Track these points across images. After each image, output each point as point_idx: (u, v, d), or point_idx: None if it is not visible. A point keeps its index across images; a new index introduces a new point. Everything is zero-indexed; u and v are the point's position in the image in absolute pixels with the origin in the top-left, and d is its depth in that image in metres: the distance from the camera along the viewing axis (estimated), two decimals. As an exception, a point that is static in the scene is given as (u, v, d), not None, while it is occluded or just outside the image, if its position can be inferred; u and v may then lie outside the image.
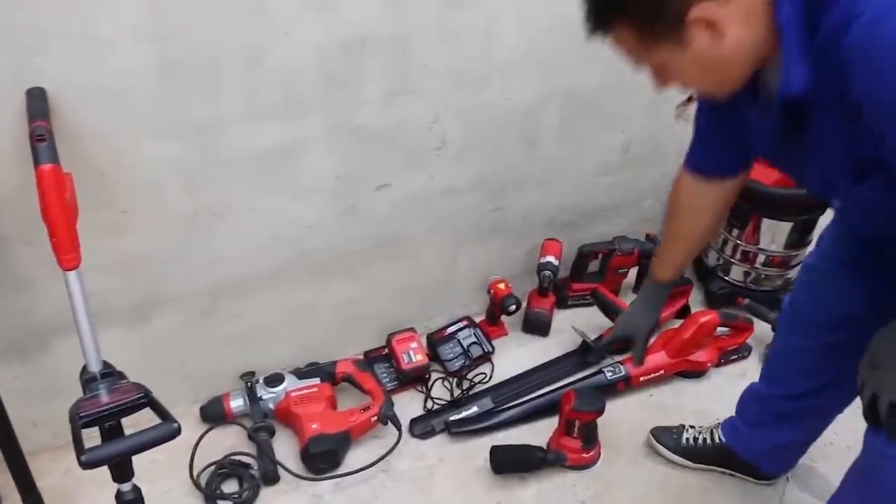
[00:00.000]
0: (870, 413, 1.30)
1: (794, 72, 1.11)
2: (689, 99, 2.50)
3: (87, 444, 1.32)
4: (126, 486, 1.52)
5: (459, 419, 2.18)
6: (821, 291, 1.65)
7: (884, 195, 1.20)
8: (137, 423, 1.38)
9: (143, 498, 1.54)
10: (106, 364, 1.54)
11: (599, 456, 2.09)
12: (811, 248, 1.84)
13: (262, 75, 1.74)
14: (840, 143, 1.19)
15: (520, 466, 2.07)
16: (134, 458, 1.87)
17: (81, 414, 1.39)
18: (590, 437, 2.04)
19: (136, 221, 1.80)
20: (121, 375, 1.53)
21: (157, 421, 1.38)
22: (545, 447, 2.08)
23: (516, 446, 2.11)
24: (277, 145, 1.86)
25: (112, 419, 1.44)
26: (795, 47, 1.11)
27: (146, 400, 1.44)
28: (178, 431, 1.36)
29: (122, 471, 1.50)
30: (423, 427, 2.16)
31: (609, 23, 1.22)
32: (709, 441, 2.06)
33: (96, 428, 1.42)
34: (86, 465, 1.31)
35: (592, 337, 2.44)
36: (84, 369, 1.52)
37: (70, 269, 1.46)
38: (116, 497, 1.52)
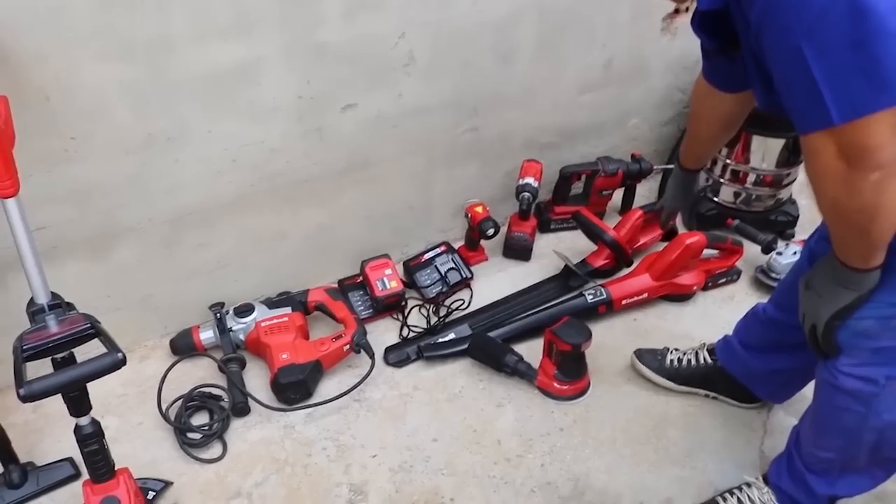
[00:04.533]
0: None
1: None
2: (676, 11, 2.39)
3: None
4: (84, 420, 1.49)
5: (433, 343, 2.14)
6: None
7: None
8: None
9: (102, 431, 1.51)
10: (55, 295, 1.48)
11: (577, 395, 2.03)
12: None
13: (210, -12, 1.64)
14: (757, 60, 1.16)
15: (488, 359, 2.07)
16: (104, 392, 1.88)
17: (25, 346, 1.35)
18: (566, 369, 1.99)
19: (86, 148, 1.72)
20: (70, 306, 1.48)
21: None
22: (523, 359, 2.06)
23: (497, 342, 2.09)
24: (232, 64, 1.76)
25: (59, 351, 1.39)
26: None
27: (93, 330, 1.39)
28: (122, 362, 1.32)
29: (77, 404, 1.46)
30: (397, 355, 2.11)
31: None
32: (693, 362, 2.01)
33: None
34: (25, 398, 1.26)
35: (575, 261, 2.38)
36: (31, 301, 1.47)
37: (8, 197, 1.39)
38: (74, 431, 1.49)
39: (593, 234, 2.39)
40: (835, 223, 1.17)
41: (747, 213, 2.55)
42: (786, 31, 0.99)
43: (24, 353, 1.33)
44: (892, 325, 1.29)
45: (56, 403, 1.40)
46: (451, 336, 2.17)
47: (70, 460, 1.79)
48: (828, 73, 0.98)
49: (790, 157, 2.41)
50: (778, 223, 2.54)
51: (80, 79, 1.62)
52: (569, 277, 2.36)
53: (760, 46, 1.08)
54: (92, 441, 1.49)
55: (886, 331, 1.29)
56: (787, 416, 1.97)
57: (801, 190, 2.56)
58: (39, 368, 1.35)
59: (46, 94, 1.61)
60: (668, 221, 2.04)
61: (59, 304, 1.46)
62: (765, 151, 2.41)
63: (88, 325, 1.39)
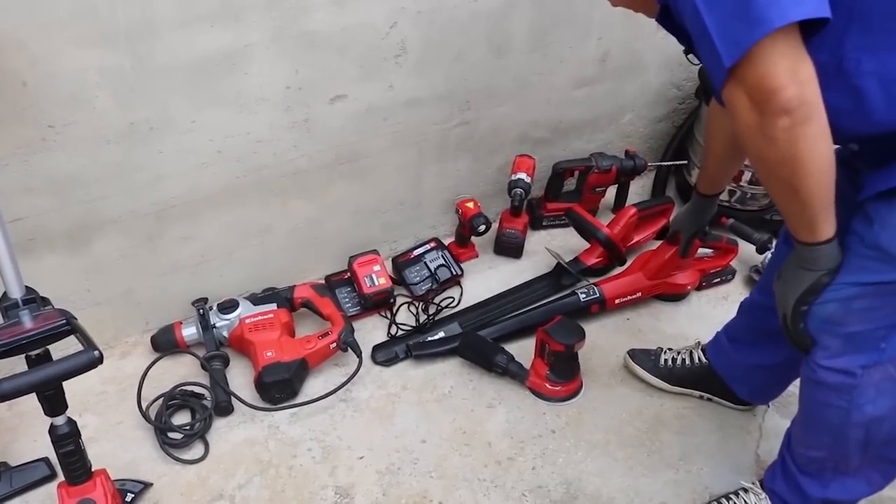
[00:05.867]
0: None
1: None
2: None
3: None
4: (59, 420, 1.43)
5: (422, 342, 2.09)
6: None
7: None
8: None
9: (78, 431, 1.46)
10: (29, 290, 1.42)
11: (569, 396, 1.99)
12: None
13: (194, -29, 1.58)
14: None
15: (478, 358, 2.03)
16: (83, 389, 1.83)
17: (-4, 343, 1.29)
18: (559, 369, 1.95)
19: (65, 137, 1.66)
20: (45, 301, 1.43)
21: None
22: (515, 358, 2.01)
23: (487, 341, 2.04)
24: (218, 52, 1.70)
25: (33, 348, 1.34)
26: None
27: (69, 326, 1.33)
28: (98, 360, 1.26)
29: (52, 403, 1.40)
30: (385, 354, 2.06)
31: None
32: (688, 362, 1.98)
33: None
34: (-6, 399, 1.21)
35: (568, 259, 2.33)
36: (4, 296, 1.41)
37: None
38: (49, 431, 1.44)
39: (586, 231, 2.34)
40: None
41: (742, 211, 2.52)
42: None
43: (-4, 350, 1.27)
44: (855, 308, 1.26)
45: (31, 401, 1.34)
46: (441, 335, 2.12)
47: (45, 460, 1.74)
48: (715, 21, 1.04)
49: (786, 156, 2.37)
50: (773, 222, 2.50)
51: (59, 65, 1.56)
52: (561, 276, 2.32)
53: (682, 18, 1.11)
54: (67, 441, 1.44)
55: (850, 314, 1.27)
56: (782, 419, 1.94)
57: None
58: (15, 365, 1.29)
59: (23, 80, 1.54)
60: (687, 248, 2.10)
61: (33, 299, 1.40)
62: (760, 149, 2.37)
63: (64, 320, 1.32)
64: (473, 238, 2.36)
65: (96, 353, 1.26)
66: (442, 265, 2.28)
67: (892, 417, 1.38)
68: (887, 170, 1.20)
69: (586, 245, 2.37)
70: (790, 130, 1.05)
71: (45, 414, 1.40)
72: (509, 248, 2.42)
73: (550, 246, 2.41)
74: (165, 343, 2.02)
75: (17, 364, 1.31)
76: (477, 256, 2.42)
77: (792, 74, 1.02)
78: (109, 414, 1.90)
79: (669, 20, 1.22)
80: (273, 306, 2.06)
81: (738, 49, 1.02)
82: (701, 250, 2.27)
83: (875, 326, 1.28)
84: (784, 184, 1.13)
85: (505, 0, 2.00)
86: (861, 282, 1.24)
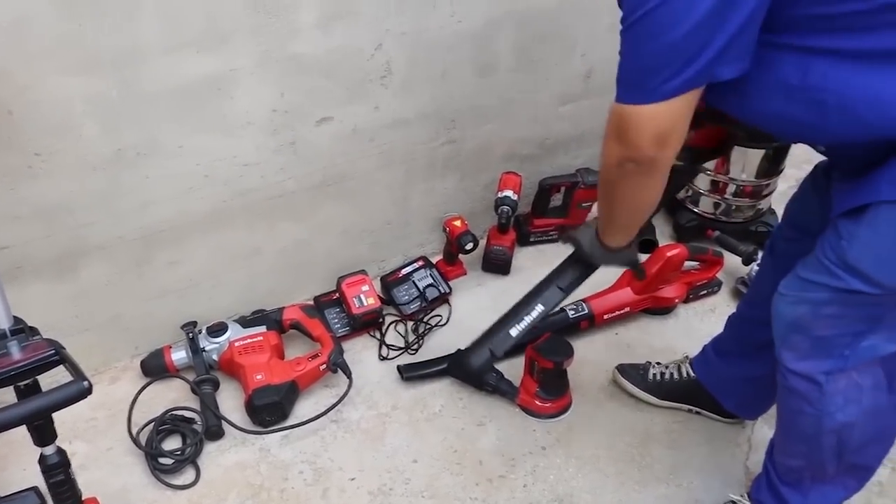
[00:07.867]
0: None
1: None
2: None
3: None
4: (49, 450, 1.43)
5: (410, 364, 2.09)
6: (797, 208, 1.63)
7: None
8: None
9: (68, 460, 1.45)
10: (17, 319, 1.41)
11: (559, 412, 1.99)
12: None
13: (180, -1, 1.59)
14: None
15: (468, 377, 2.02)
16: (72, 416, 1.81)
17: (-17, 375, 1.28)
18: (548, 387, 1.96)
19: (52, 164, 1.66)
20: (33, 331, 1.41)
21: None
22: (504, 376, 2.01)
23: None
24: (204, 77, 1.71)
25: (22, 379, 1.33)
26: None
27: (58, 357, 1.32)
28: (88, 391, 1.25)
29: (41, 433, 1.40)
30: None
31: None
32: (676, 376, 1.99)
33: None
34: (-22, 433, 1.20)
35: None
36: (-8, 326, 1.40)
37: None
38: (39, 461, 1.43)
39: None
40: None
41: (727, 223, 2.53)
42: None
43: (-16, 382, 1.27)
44: (824, 314, 1.30)
45: (21, 430, 1.32)
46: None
47: (35, 490, 1.70)
48: (625, 63, 1.20)
49: (770, 168, 2.40)
50: (758, 234, 2.52)
51: (44, 92, 1.56)
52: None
53: None
54: (57, 471, 1.43)
55: (818, 319, 1.31)
56: (771, 431, 1.92)
57: (780, 200, 2.54)
58: (4, 395, 1.29)
59: (9, 109, 1.55)
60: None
61: (21, 329, 1.39)
62: (745, 162, 2.40)
63: (53, 351, 1.32)
64: (461, 256, 2.36)
65: (86, 383, 1.25)
66: (430, 284, 2.28)
67: (861, 424, 1.42)
68: (852, 188, 1.23)
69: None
70: (630, 173, 1.25)
71: (35, 444, 1.40)
72: (497, 264, 2.42)
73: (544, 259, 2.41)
74: (155, 368, 2.01)
75: (6, 395, 1.31)
76: (465, 274, 2.42)
77: (657, 144, 1.18)
78: (99, 440, 1.89)
79: None
80: (262, 329, 2.05)
81: (627, 98, 1.18)
82: (687, 263, 2.28)
83: (840, 332, 1.32)
84: (605, 199, 1.42)
85: (489, 19, 2.02)
86: (828, 284, 1.27)
